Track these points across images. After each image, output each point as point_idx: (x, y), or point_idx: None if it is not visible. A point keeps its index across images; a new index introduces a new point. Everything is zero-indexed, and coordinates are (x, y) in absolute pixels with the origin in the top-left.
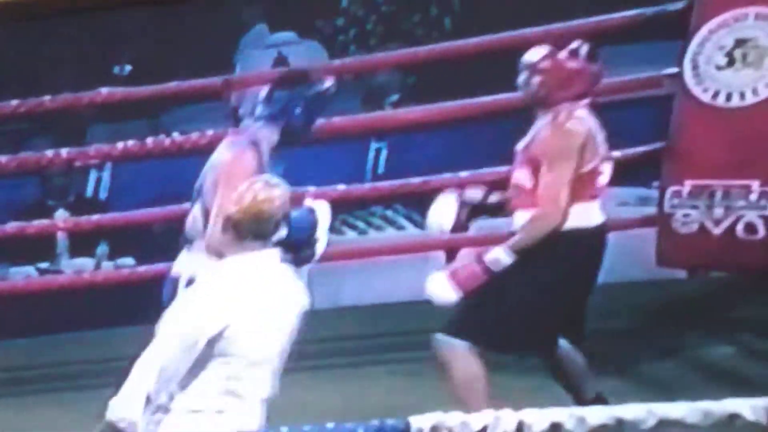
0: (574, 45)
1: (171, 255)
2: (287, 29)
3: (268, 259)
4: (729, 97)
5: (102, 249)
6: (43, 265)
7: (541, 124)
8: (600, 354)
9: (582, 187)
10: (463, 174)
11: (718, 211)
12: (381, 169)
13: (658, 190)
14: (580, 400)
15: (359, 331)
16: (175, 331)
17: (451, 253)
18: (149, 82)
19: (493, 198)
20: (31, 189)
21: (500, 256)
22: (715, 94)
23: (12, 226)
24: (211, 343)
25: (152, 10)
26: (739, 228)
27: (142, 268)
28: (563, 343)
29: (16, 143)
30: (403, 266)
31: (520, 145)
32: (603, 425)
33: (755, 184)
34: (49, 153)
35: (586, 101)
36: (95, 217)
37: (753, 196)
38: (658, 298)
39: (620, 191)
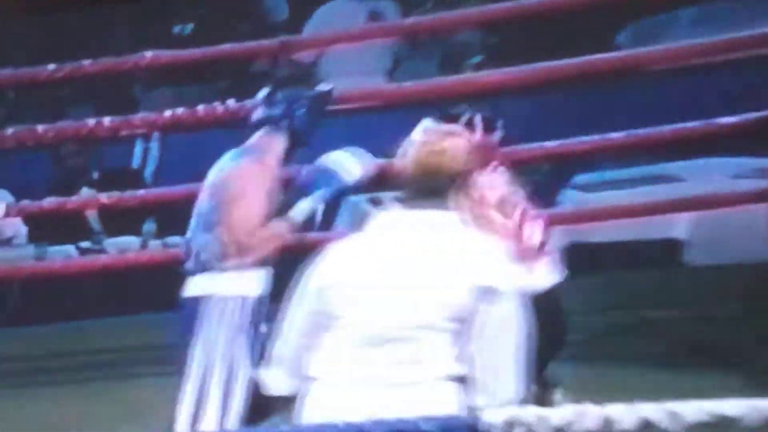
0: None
1: None
2: None
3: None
4: None
5: (149, 226)
6: (85, 244)
7: None
8: (708, 343)
9: None
10: (552, 144)
11: None
12: None
13: None
14: None
15: None
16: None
17: None
18: (212, 42)
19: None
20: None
21: None
22: None
23: (49, 202)
24: None
25: None
26: None
27: None
28: None
29: (56, 111)
30: None
31: None
32: (700, 422)
33: None
34: (91, 122)
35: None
36: (141, 192)
37: None
38: None
39: (735, 161)
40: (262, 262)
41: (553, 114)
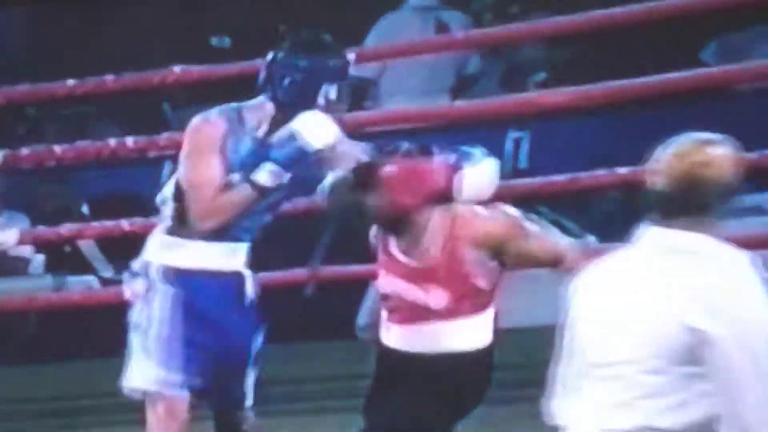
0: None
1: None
2: None
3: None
4: None
5: None
6: (107, 274)
7: None
8: None
9: None
10: (622, 170)
11: None
12: (522, 163)
13: None
14: None
15: None
16: None
17: None
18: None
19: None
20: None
21: None
22: None
23: (68, 229)
24: None
25: None
26: None
27: None
28: None
29: (78, 129)
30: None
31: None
32: None
33: None
34: (112, 142)
35: None
36: None
37: None
38: None
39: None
40: (229, 232)
41: (623, 137)
